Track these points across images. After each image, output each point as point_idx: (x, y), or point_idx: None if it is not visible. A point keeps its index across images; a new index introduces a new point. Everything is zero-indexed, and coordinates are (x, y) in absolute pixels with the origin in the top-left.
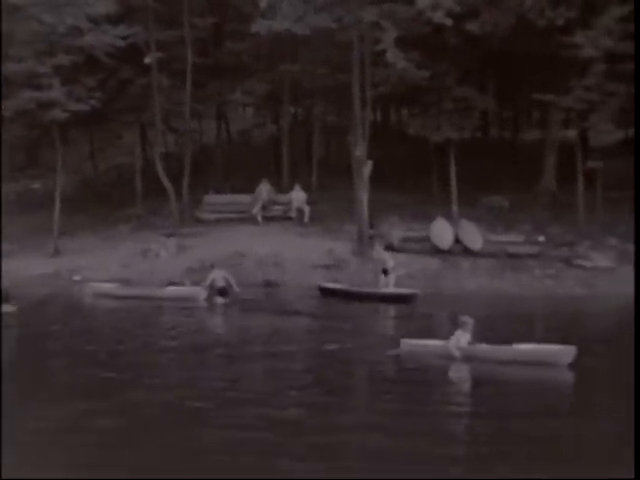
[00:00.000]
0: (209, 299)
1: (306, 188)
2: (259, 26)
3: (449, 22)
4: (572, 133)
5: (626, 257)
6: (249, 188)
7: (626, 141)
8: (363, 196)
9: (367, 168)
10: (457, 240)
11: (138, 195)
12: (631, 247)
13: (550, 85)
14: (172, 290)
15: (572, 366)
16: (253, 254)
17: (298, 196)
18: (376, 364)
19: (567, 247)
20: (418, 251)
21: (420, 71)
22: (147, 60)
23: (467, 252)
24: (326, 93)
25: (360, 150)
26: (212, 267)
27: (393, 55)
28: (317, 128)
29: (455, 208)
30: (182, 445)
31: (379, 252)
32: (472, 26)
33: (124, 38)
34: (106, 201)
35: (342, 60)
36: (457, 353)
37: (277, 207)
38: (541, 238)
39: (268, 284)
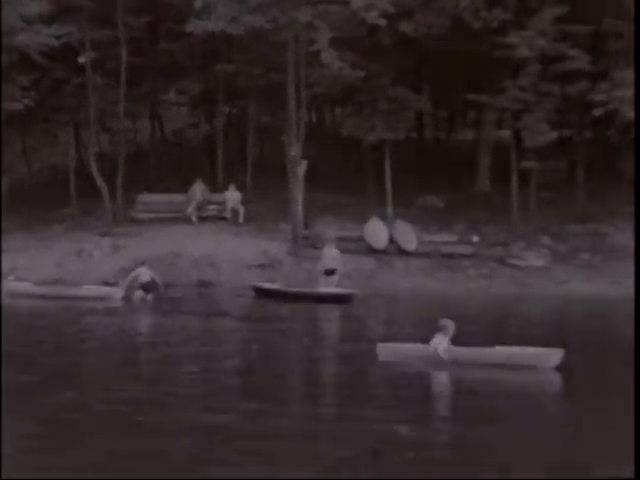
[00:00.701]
0: (128, 297)
1: (241, 188)
2: (193, 26)
3: (383, 23)
4: (506, 133)
5: (559, 256)
6: (183, 188)
7: (560, 141)
8: (298, 196)
9: (302, 168)
10: (391, 240)
11: (72, 195)
12: (564, 247)
13: (485, 85)
14: (87, 289)
15: (559, 369)
16: (188, 254)
17: (233, 196)
18: (302, 367)
19: (501, 247)
20: (353, 251)
21: (355, 71)
22: (81, 59)
23: (401, 252)
24: (261, 93)
25: (295, 150)
26: (141, 264)
27: (328, 55)
28: (252, 128)
29: (390, 208)
30: (104, 451)
31: (329, 250)
32: (406, 27)
33: (58, 37)
34: (40, 201)
35: (277, 60)
36: (446, 356)
37: (212, 207)
38: (475, 238)
39: (203, 284)
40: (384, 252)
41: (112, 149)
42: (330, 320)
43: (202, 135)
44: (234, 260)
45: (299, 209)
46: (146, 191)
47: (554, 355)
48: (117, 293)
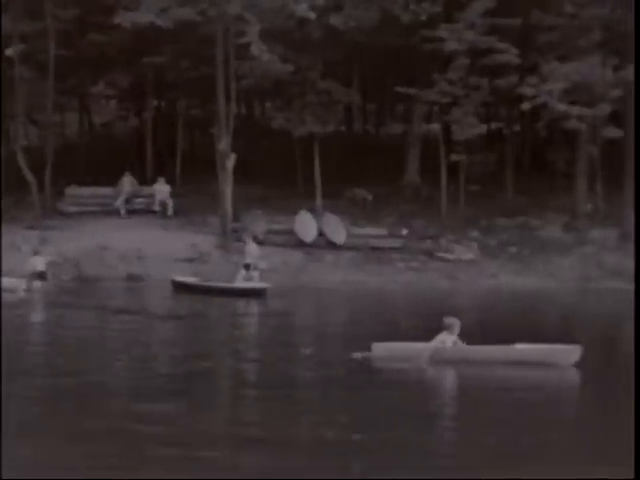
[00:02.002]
0: (29, 288)
1: (170, 181)
2: (122, 18)
3: (312, 16)
4: (435, 127)
5: (488, 250)
6: (112, 181)
7: (489, 135)
8: (227, 189)
9: (231, 161)
10: (321, 233)
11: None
12: (492, 240)
13: (414, 79)
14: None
15: (578, 365)
16: (116, 247)
17: (162, 189)
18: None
19: (430, 240)
20: (282, 244)
21: (284, 64)
22: (9, 52)
23: (331, 245)
24: (190, 86)
25: (224, 143)
26: (36, 253)
27: (257, 48)
28: (181, 121)
29: (319, 201)
30: None
31: (249, 246)
32: (336, 20)
33: None
34: None
35: (206, 53)
36: (454, 357)
37: (140, 200)
38: (404, 231)
39: (131, 278)
40: (313, 245)
41: (40, 142)
42: (240, 315)
43: (131, 128)
44: (162, 253)
45: (228, 202)
46: (74, 184)
47: (574, 352)
48: (21, 285)
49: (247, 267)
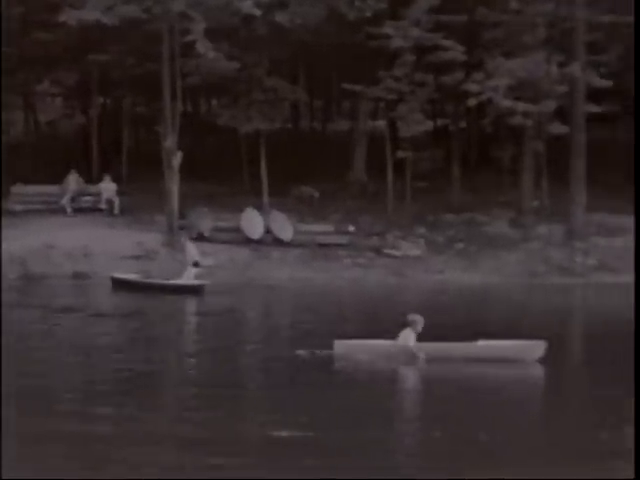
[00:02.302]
0: None
1: (116, 179)
2: (68, 16)
3: (258, 13)
4: (381, 123)
5: (435, 246)
6: (58, 179)
7: (435, 131)
8: (173, 187)
9: (177, 159)
10: (267, 230)
11: None
12: (439, 237)
13: (360, 76)
14: None
15: (543, 361)
16: (62, 246)
17: (108, 187)
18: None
19: (377, 236)
20: (228, 241)
21: (230, 62)
22: None
23: (277, 242)
24: (136, 84)
25: (170, 141)
26: None
27: (203, 46)
28: (127, 119)
29: (265, 198)
30: None
31: (187, 246)
32: (281, 17)
33: None
34: None
35: (152, 51)
36: (421, 353)
37: (86, 198)
38: (351, 228)
39: (77, 276)
40: (260, 242)
41: None
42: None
43: (76, 126)
44: (109, 251)
45: (174, 200)
46: (20, 183)
47: (538, 348)
48: None
49: (196, 265)
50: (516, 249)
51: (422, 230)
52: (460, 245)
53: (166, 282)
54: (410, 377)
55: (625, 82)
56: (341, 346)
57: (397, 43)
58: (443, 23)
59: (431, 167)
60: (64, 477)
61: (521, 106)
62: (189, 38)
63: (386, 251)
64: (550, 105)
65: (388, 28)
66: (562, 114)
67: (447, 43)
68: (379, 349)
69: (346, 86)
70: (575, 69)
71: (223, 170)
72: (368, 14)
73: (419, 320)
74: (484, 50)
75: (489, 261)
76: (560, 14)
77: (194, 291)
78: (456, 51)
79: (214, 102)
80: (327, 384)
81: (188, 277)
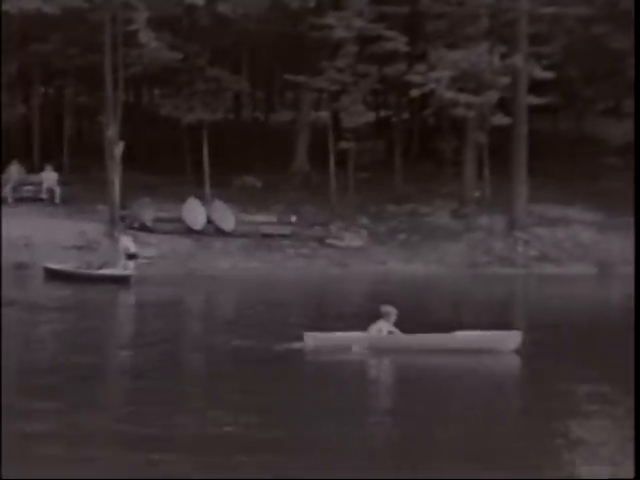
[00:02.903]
0: None
1: (57, 169)
2: (9, 5)
3: (201, 2)
4: (324, 114)
5: (377, 237)
6: None
7: (377, 122)
8: (115, 177)
9: (119, 149)
10: (209, 221)
11: None
12: (382, 227)
13: (302, 66)
14: None
15: (517, 352)
16: (3, 236)
17: (49, 177)
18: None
19: (320, 227)
20: (171, 232)
21: (172, 52)
22: None
23: (220, 233)
24: (78, 73)
25: (112, 131)
26: None
27: (145, 35)
28: (69, 108)
29: (208, 189)
30: None
31: (120, 238)
32: (224, 7)
33: None
34: None
35: (94, 40)
36: (392, 346)
37: (28, 188)
38: (294, 218)
39: (19, 266)
40: (202, 233)
41: None
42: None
43: (18, 116)
44: (51, 241)
45: (116, 190)
46: None
47: (513, 338)
48: None
49: (132, 257)
50: (458, 240)
51: (365, 221)
52: (402, 236)
53: (95, 272)
54: (374, 369)
55: (567, 74)
56: (311, 338)
57: (340, 34)
58: (386, 14)
59: (373, 158)
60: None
61: (463, 97)
62: (132, 28)
63: (329, 241)
64: (492, 96)
65: (331, 18)
66: (504, 105)
67: (390, 34)
68: (352, 340)
69: (289, 77)
70: (517, 60)
71: (165, 160)
72: (311, 4)
73: (392, 312)
74: (427, 41)
75: (431, 252)
76: (503, 6)
77: (122, 281)
78: (399, 42)
79: (157, 92)
80: (267, 377)
81: (122, 268)
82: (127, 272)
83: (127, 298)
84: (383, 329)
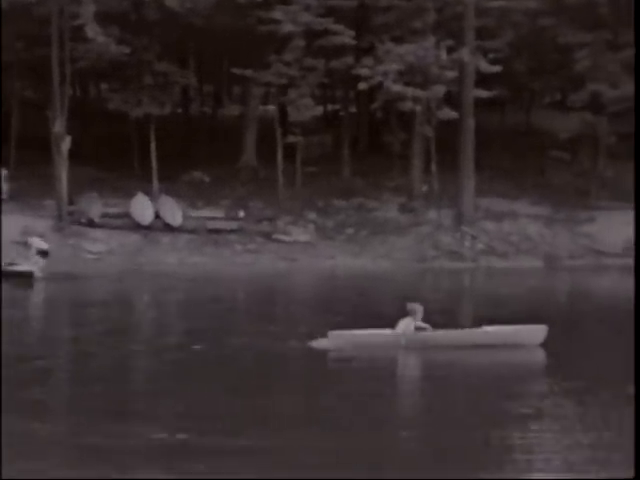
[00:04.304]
0: None
1: (4, 163)
2: None
3: None
4: (272, 108)
5: (325, 231)
6: None
7: (325, 116)
8: (62, 172)
9: (66, 144)
10: (157, 216)
11: None
12: (329, 222)
13: (250, 60)
14: None
15: (543, 345)
16: None
17: None
18: None
19: (267, 222)
20: (118, 227)
21: (120, 46)
22: None
23: (167, 228)
24: (24, 67)
25: (59, 125)
26: None
27: (92, 30)
28: (15, 103)
29: (155, 184)
30: None
31: (32, 240)
32: (172, 2)
33: None
34: None
35: (41, 34)
36: (423, 343)
37: None
38: (241, 213)
39: None
40: (150, 228)
41: None
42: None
43: None
44: None
45: (63, 185)
46: None
47: (540, 332)
48: None
49: (43, 254)
50: (406, 234)
51: (312, 215)
52: (350, 230)
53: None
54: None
55: (514, 67)
56: (336, 337)
57: (287, 28)
58: (333, 8)
59: (321, 152)
60: None
61: (411, 91)
62: (78, 22)
63: (276, 236)
64: (439, 90)
65: (278, 13)
66: (451, 99)
67: (337, 28)
68: (380, 338)
69: (236, 71)
70: (464, 54)
71: (113, 155)
72: None
73: (418, 309)
74: (374, 35)
75: (379, 246)
76: None
77: (24, 276)
78: (346, 36)
79: (104, 86)
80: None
81: (31, 264)
82: (30, 268)
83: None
84: (410, 326)
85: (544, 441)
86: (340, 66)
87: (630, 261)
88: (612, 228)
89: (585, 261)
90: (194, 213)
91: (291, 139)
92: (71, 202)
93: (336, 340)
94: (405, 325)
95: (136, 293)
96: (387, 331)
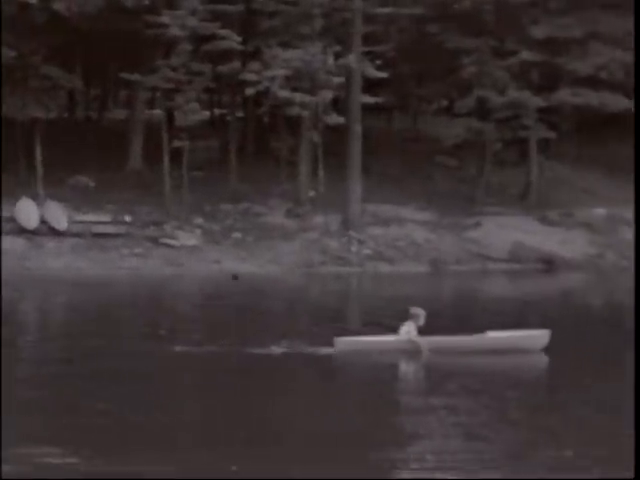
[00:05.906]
0: None
1: None
2: None
3: (34, 0)
4: (159, 113)
5: (212, 236)
6: None
7: (212, 121)
8: None
9: None
10: (42, 220)
11: None
12: (216, 226)
13: (137, 64)
14: None
15: (546, 350)
16: None
17: None
18: None
19: (154, 226)
20: (3, 231)
21: (6, 49)
22: None
23: (53, 232)
24: None
25: None
26: None
27: None
28: None
29: (41, 188)
30: None
31: None
32: (59, 5)
33: None
34: None
35: None
36: (425, 348)
37: None
38: (127, 217)
39: None
40: (35, 232)
41: None
42: None
43: None
44: None
45: None
46: None
47: (543, 337)
48: None
49: None
50: (293, 239)
51: (199, 220)
52: (237, 235)
53: None
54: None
55: (401, 73)
56: (342, 343)
57: (174, 32)
58: (220, 12)
59: (207, 157)
60: None
61: (298, 96)
62: None
63: (163, 241)
64: (326, 96)
65: (165, 17)
66: (338, 105)
67: (224, 32)
68: (382, 344)
69: (123, 75)
70: (351, 60)
71: None
72: (146, 2)
73: (421, 313)
74: (261, 40)
75: (266, 251)
76: (337, 5)
77: None
78: (233, 41)
79: None
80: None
81: None
82: None
83: None
84: (412, 331)
85: None
86: (227, 71)
87: (516, 266)
88: (498, 233)
89: (471, 266)
90: (80, 217)
91: (178, 144)
92: None
93: (341, 346)
94: (407, 330)
95: (17, 299)
96: (391, 337)
